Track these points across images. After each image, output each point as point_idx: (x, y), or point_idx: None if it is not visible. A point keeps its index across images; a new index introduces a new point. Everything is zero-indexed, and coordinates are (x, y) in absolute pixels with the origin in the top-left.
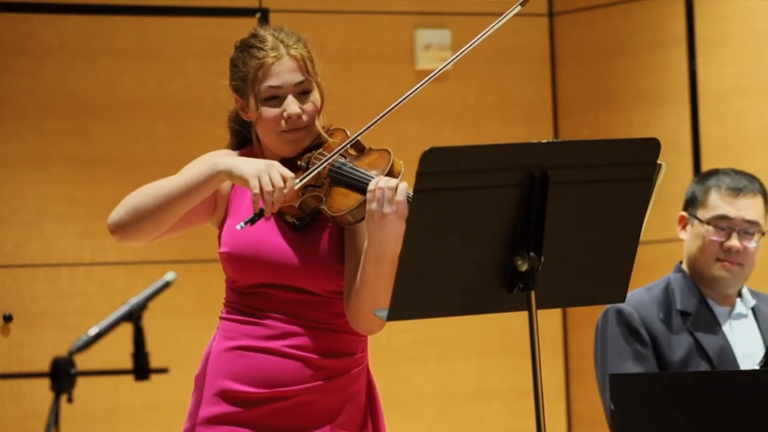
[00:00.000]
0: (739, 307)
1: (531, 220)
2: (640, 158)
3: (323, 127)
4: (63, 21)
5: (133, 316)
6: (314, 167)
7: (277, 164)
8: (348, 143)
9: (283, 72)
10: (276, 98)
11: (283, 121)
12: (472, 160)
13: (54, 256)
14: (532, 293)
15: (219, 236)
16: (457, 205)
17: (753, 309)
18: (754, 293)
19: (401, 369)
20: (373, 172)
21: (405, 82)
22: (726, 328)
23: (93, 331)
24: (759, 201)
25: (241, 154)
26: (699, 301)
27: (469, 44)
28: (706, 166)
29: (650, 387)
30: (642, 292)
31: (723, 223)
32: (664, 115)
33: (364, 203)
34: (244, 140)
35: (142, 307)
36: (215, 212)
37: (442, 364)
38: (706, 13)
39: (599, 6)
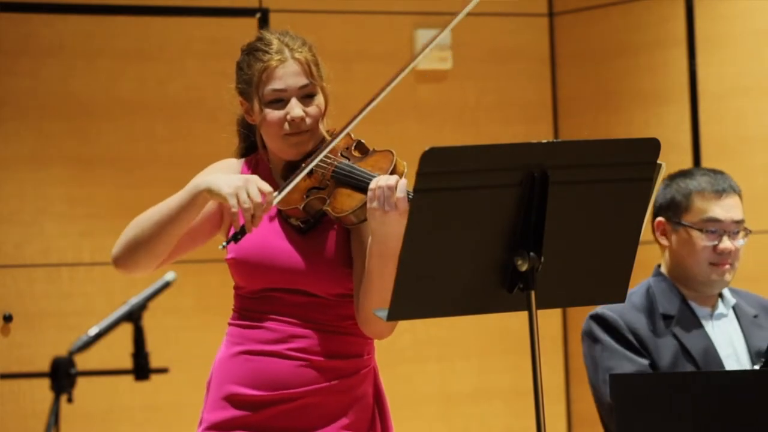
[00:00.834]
0: (720, 307)
1: (531, 220)
2: (640, 158)
3: (327, 131)
4: (63, 21)
5: (133, 316)
6: (293, 177)
7: (254, 179)
8: (328, 146)
9: (287, 75)
10: (280, 101)
11: (286, 124)
12: (472, 160)
13: (54, 256)
14: (532, 293)
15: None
16: (457, 205)
17: (734, 308)
18: (734, 291)
19: (401, 369)
20: (375, 173)
21: (405, 82)
22: (709, 328)
23: (93, 331)
24: (739, 199)
25: (248, 161)
26: (681, 303)
27: (434, 37)
28: (705, 166)
29: (650, 387)
30: None
31: (713, 227)
32: (664, 115)
33: (365, 204)
34: (252, 145)
35: (142, 307)
36: (222, 225)
37: (442, 364)
38: (706, 13)
39: (599, 6)
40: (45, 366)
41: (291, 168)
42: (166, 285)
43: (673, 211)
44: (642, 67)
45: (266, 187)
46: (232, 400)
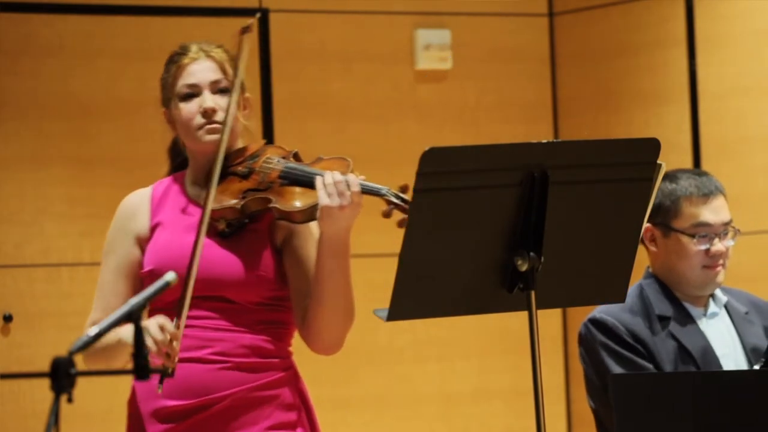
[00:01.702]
0: (712, 306)
1: (531, 220)
2: (640, 158)
3: (246, 146)
4: (63, 21)
5: (133, 316)
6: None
7: (152, 321)
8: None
9: (199, 70)
10: (193, 96)
11: (198, 116)
12: (472, 160)
13: (54, 256)
14: (532, 293)
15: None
16: (457, 205)
17: (725, 306)
18: (724, 290)
19: (401, 369)
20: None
21: (405, 82)
22: (704, 328)
23: (93, 331)
24: (724, 198)
25: (156, 187)
26: (675, 304)
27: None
28: (706, 166)
29: (650, 387)
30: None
31: (704, 231)
32: (664, 115)
33: (317, 204)
34: (182, 163)
35: (142, 307)
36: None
37: (442, 364)
38: (706, 13)
39: (599, 6)
40: (45, 366)
41: (221, 173)
42: (166, 285)
43: (662, 216)
44: (642, 67)
45: (164, 322)
46: (159, 415)
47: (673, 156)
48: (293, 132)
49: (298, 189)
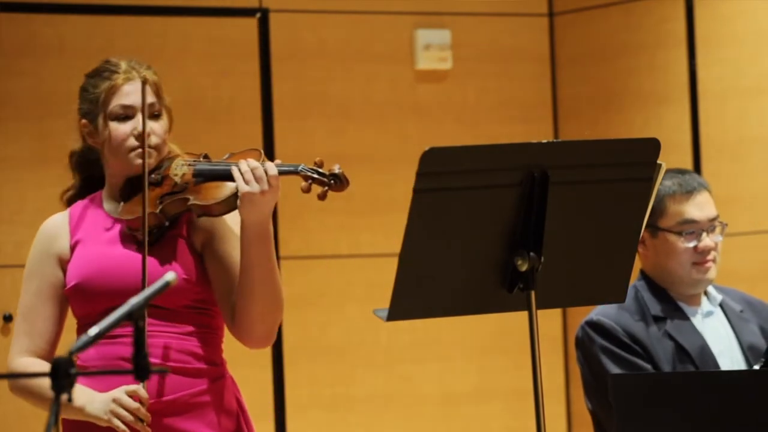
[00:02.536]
0: (707, 305)
1: (531, 220)
2: (640, 158)
3: (170, 152)
4: (64, 21)
5: (133, 316)
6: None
7: (119, 392)
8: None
9: (135, 92)
10: (126, 117)
11: (132, 138)
12: (472, 160)
13: None
14: (532, 293)
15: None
16: (457, 205)
17: (720, 305)
18: (718, 289)
19: (401, 369)
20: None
21: (405, 82)
22: (700, 327)
23: (93, 331)
24: (708, 194)
25: (73, 211)
26: (670, 304)
27: None
28: (706, 166)
29: (650, 387)
30: (613, 305)
31: (691, 228)
32: (664, 115)
33: (236, 194)
34: (89, 178)
35: (142, 307)
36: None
37: (442, 364)
38: (706, 13)
39: (599, 6)
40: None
41: (131, 184)
42: (166, 285)
43: (649, 217)
44: (642, 67)
45: (136, 390)
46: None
47: (673, 156)
48: (293, 132)
49: (213, 183)
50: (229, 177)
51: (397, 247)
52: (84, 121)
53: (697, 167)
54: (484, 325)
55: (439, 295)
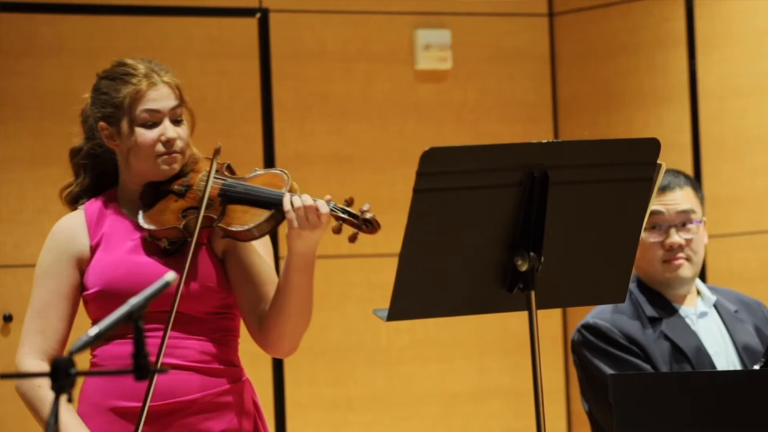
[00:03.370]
0: (701, 305)
1: (531, 220)
2: (640, 158)
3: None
4: (63, 21)
5: (133, 316)
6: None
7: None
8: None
9: (160, 97)
10: (152, 123)
11: (159, 145)
12: (472, 160)
13: None
14: (532, 293)
15: (82, 280)
16: (457, 205)
17: (715, 305)
18: (713, 289)
19: (401, 369)
20: (276, 190)
21: (405, 82)
22: (695, 327)
23: (93, 331)
24: (688, 191)
25: (89, 212)
26: (664, 305)
27: None
28: (706, 166)
29: (650, 387)
30: (608, 308)
31: (657, 221)
32: (664, 115)
33: (269, 219)
34: (101, 175)
35: (142, 307)
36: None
37: (442, 364)
38: (706, 13)
39: (599, 6)
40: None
41: (152, 189)
42: (166, 285)
43: None
44: (642, 67)
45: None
46: (120, 412)
47: (673, 156)
48: (293, 132)
49: (240, 207)
50: (263, 204)
51: (397, 247)
52: (103, 123)
53: (697, 167)
54: (484, 325)
55: (439, 295)
